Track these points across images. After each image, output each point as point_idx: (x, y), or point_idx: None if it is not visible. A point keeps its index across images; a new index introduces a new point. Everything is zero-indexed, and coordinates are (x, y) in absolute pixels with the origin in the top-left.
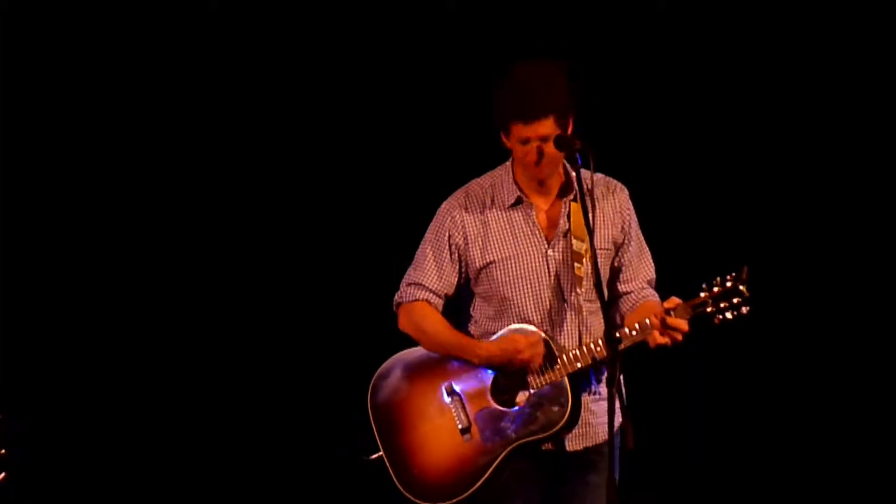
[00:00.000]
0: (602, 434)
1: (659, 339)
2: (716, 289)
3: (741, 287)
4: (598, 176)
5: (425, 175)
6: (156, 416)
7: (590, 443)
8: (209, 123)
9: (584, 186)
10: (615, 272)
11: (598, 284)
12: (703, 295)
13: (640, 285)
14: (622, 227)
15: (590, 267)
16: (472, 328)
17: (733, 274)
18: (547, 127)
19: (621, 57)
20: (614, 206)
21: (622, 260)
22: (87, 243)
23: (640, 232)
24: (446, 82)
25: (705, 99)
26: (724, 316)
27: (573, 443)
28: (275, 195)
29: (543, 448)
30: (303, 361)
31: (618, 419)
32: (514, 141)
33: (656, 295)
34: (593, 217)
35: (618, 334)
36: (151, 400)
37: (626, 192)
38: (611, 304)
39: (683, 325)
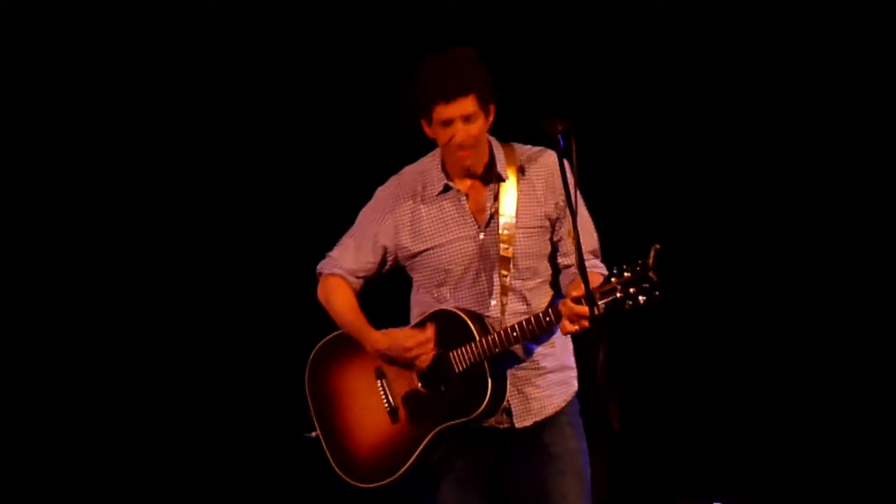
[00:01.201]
0: (550, 407)
1: (568, 327)
2: (625, 274)
3: (650, 274)
4: (526, 148)
5: None
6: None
7: (538, 417)
8: (209, 123)
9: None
10: (556, 246)
11: (581, 266)
12: (613, 280)
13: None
14: (556, 203)
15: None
16: (418, 308)
17: (641, 260)
18: (469, 105)
19: (621, 56)
20: (547, 183)
21: (561, 233)
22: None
23: (581, 203)
24: None
25: (704, 98)
26: (637, 301)
27: (521, 419)
28: (273, 194)
29: (486, 425)
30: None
31: (571, 389)
32: (436, 126)
33: (601, 266)
34: (576, 200)
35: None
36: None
37: (561, 162)
38: (556, 278)
39: (586, 311)
